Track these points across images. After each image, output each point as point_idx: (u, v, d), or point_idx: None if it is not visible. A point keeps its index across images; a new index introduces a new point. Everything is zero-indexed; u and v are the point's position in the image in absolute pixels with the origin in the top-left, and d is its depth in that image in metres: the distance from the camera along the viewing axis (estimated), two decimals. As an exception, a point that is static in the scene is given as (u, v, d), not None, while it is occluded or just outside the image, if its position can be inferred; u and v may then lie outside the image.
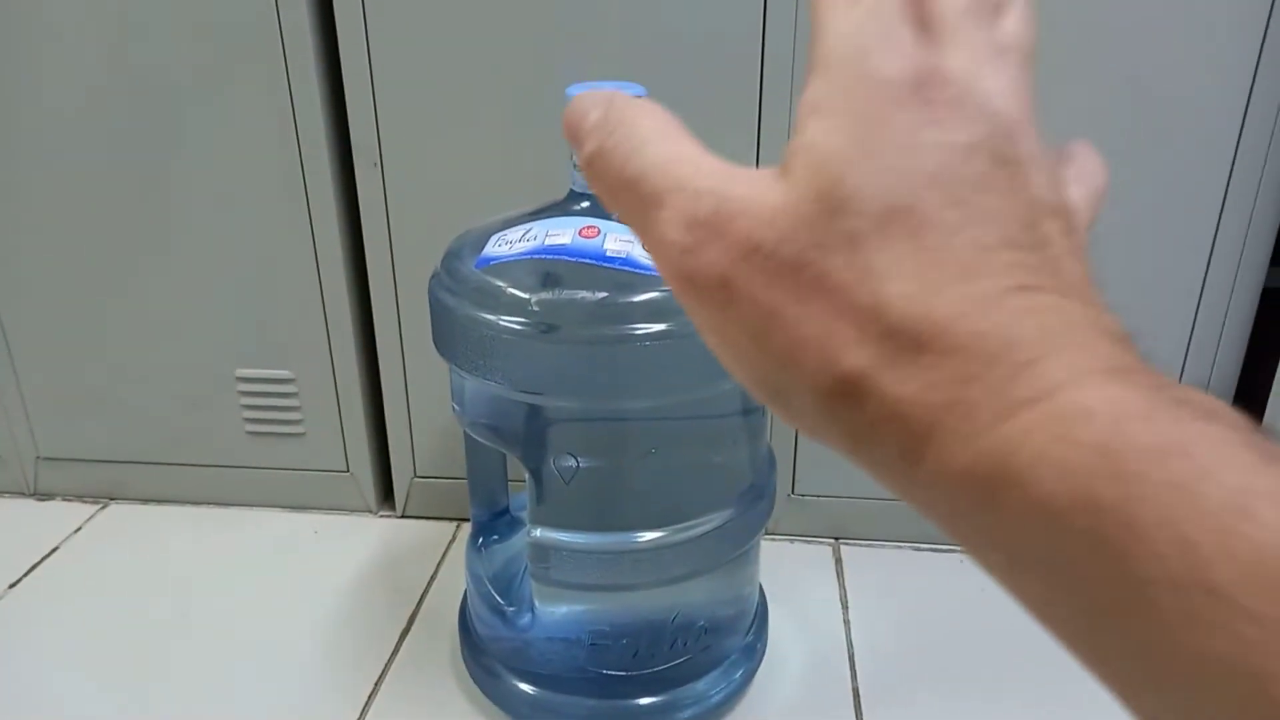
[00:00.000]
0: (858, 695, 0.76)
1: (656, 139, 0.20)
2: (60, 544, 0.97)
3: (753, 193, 0.18)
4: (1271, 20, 0.75)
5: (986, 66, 0.17)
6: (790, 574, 0.88)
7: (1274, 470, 0.14)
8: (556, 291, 0.60)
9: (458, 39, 0.82)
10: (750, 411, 0.67)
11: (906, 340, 0.16)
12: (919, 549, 0.94)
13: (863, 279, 0.16)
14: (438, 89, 0.83)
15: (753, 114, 0.81)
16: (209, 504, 1.03)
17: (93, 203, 0.92)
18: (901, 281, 0.16)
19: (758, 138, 0.81)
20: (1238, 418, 0.15)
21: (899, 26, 0.17)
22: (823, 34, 0.18)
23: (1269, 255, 0.83)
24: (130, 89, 0.86)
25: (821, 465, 0.91)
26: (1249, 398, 0.87)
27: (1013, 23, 0.19)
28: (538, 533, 0.65)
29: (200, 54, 0.85)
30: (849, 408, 0.17)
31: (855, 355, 0.16)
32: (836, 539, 0.96)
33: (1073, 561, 0.15)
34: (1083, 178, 0.21)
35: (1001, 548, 0.17)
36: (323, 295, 0.92)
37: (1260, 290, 0.84)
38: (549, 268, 0.63)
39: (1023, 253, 0.16)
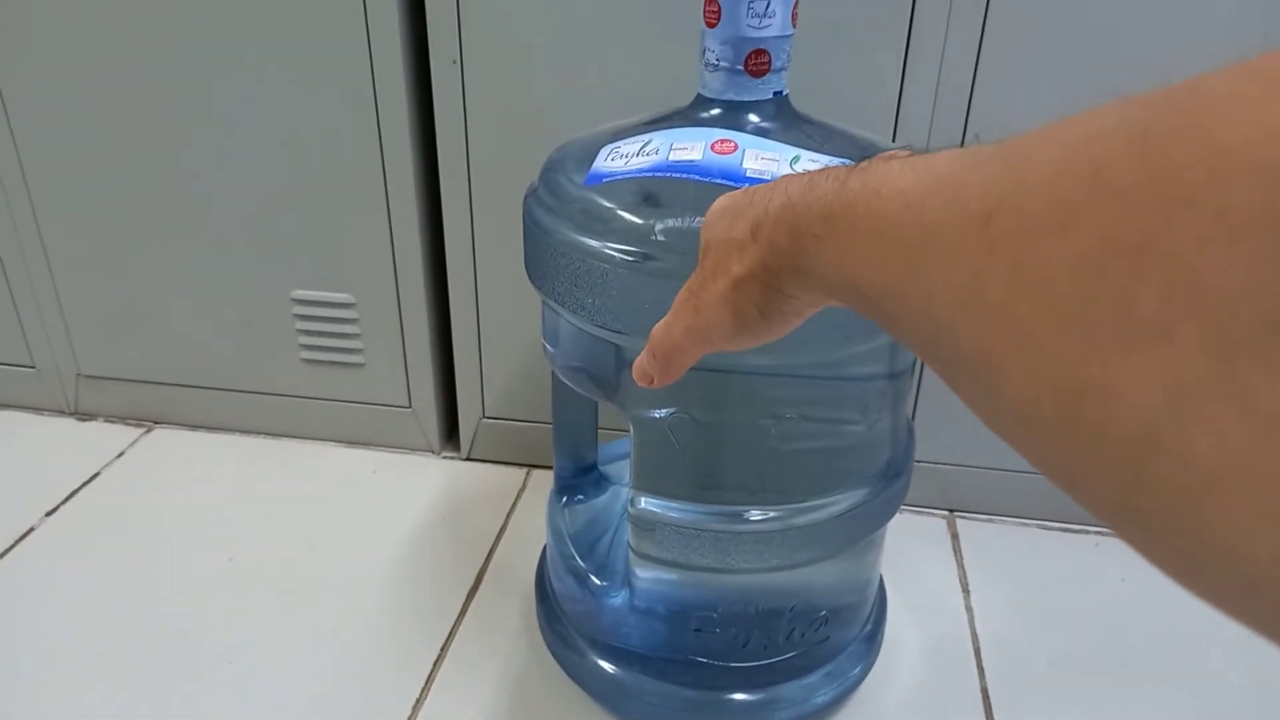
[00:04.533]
0: (987, 697, 0.67)
1: (665, 325, 0.37)
2: (101, 470, 0.90)
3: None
4: None
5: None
6: (903, 549, 0.78)
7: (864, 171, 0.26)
8: (685, 219, 0.49)
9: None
10: (897, 375, 0.57)
11: (738, 248, 0.32)
12: (1046, 527, 0.83)
13: (720, 245, 0.33)
14: (530, -26, 0.71)
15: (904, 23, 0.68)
16: (259, 434, 0.95)
17: (140, 102, 0.82)
18: (729, 234, 0.33)
19: (907, 37, 0.69)
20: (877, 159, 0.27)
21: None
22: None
23: None
24: (179, -36, 0.76)
25: (935, 430, 0.80)
26: None
27: None
28: (642, 503, 0.56)
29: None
30: (749, 287, 0.32)
31: (736, 265, 0.32)
32: (951, 510, 0.86)
33: (838, 247, 0.27)
34: None
35: (832, 287, 0.28)
36: (389, 211, 0.82)
37: None
38: (665, 187, 0.52)
39: (751, 210, 0.32)
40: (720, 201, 0.35)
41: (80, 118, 0.83)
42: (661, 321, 0.37)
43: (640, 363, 0.39)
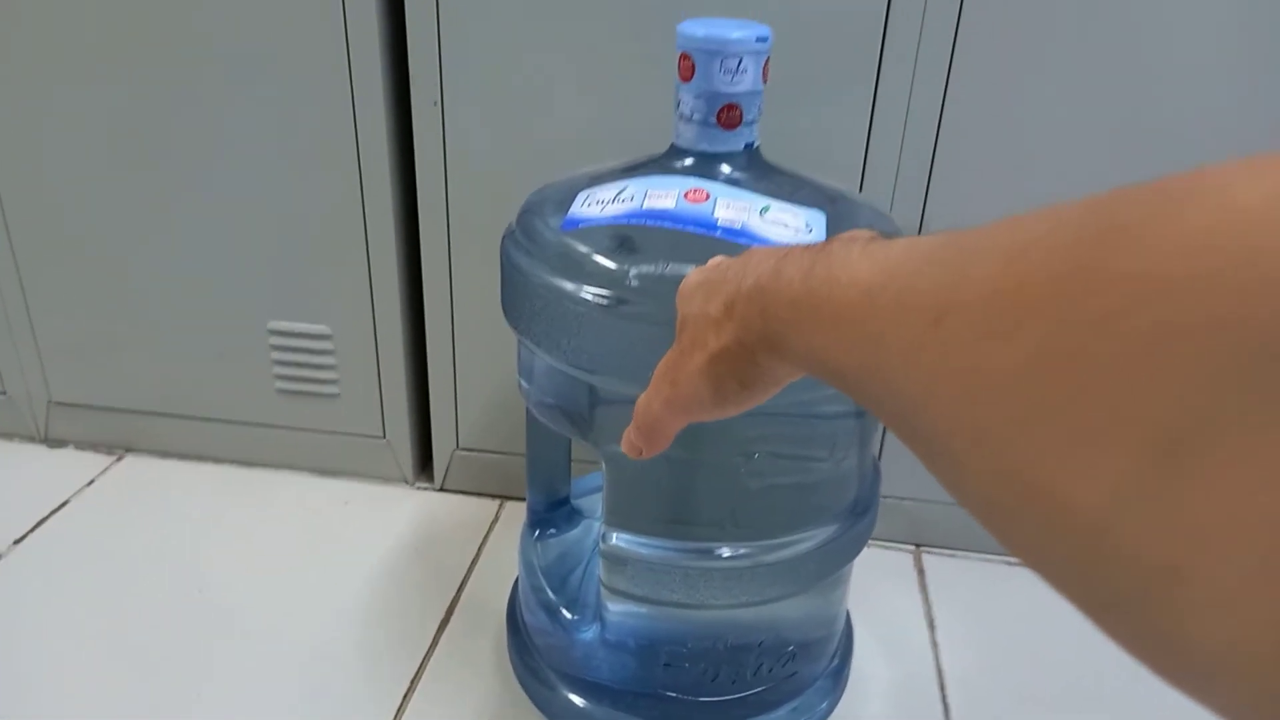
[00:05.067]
0: (950, 732, 0.68)
1: (646, 399, 0.39)
2: (71, 497, 0.90)
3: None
4: None
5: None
6: (869, 584, 0.80)
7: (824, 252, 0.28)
8: (660, 265, 0.51)
9: (538, -39, 0.72)
10: (864, 413, 0.58)
11: (714, 325, 0.33)
12: (1011, 563, 0.85)
13: (696, 321, 0.34)
14: (511, 17, 0.73)
15: (872, 71, 0.71)
16: (232, 463, 0.95)
17: (121, 132, 0.82)
18: (705, 310, 0.34)
19: (874, 90, 0.71)
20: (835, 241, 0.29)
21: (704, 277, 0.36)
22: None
23: None
24: (164, 7, 0.77)
25: (902, 466, 0.82)
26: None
27: None
28: (614, 539, 0.57)
29: (245, -36, 0.75)
30: (726, 362, 0.33)
31: (712, 341, 0.33)
32: (917, 545, 0.87)
33: (804, 328, 0.28)
34: None
35: (800, 360, 0.29)
36: (368, 245, 0.83)
37: None
38: (639, 234, 0.53)
39: (724, 287, 0.33)
40: (694, 276, 0.36)
41: (57, 144, 0.84)
42: (643, 395, 0.38)
43: (628, 435, 0.41)
